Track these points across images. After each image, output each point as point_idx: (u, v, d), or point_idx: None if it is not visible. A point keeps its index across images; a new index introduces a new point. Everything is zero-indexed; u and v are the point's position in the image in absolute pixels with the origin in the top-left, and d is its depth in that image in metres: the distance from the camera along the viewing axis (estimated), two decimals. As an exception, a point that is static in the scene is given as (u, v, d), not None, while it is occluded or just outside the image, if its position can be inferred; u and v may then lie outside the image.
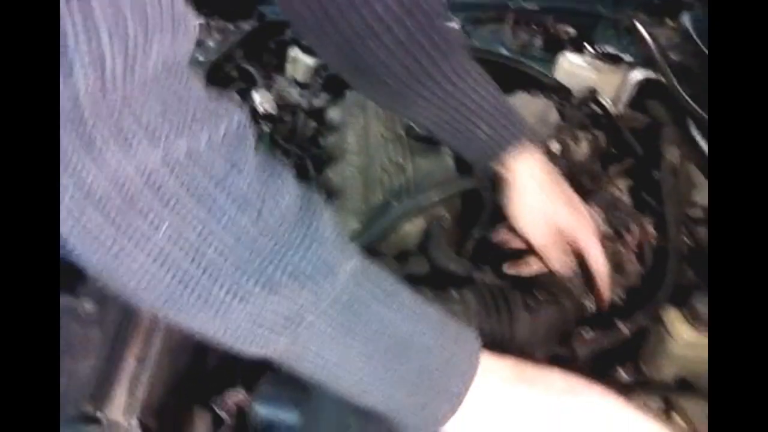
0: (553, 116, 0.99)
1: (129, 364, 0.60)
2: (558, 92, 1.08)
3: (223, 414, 0.60)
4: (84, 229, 0.38)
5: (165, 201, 0.38)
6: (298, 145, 0.94)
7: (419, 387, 0.46)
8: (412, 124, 0.88)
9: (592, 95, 1.04)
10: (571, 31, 1.30)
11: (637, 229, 0.78)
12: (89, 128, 0.35)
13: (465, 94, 0.70)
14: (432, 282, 0.68)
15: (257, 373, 0.61)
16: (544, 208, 0.71)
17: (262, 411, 0.59)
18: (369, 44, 0.66)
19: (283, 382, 0.59)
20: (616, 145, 0.98)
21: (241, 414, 0.60)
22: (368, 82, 0.71)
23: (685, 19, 1.14)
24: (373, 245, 0.75)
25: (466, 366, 0.48)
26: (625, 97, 1.09)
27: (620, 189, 0.85)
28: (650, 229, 0.80)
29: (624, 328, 0.69)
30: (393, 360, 0.45)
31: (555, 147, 0.85)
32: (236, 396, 0.61)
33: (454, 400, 0.47)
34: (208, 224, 0.39)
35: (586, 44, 1.25)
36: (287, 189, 0.43)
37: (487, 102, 0.70)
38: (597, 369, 0.73)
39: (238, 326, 0.42)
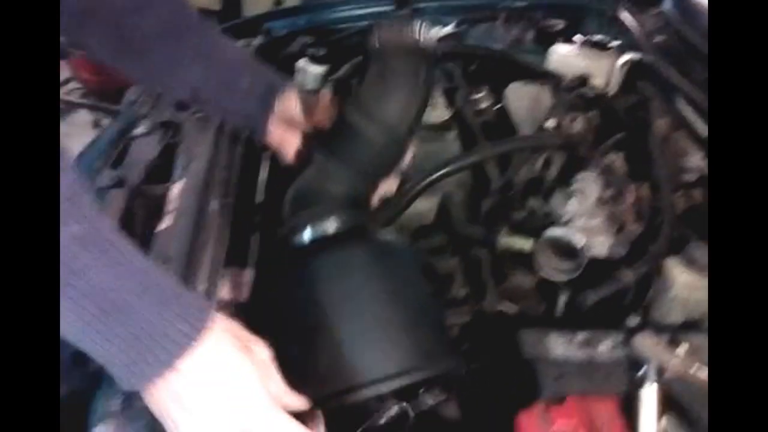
0: (546, 100, 1.11)
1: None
2: (550, 80, 1.19)
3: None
4: None
5: None
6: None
7: (131, 349, 0.53)
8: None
9: (582, 80, 1.16)
10: (561, 23, 1.43)
11: (633, 192, 0.90)
12: None
13: (225, 53, 0.83)
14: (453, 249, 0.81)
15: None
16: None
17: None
18: (134, 19, 0.79)
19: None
20: (608, 123, 1.10)
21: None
22: (135, 60, 0.82)
23: (666, 5, 1.27)
24: (391, 223, 0.86)
25: (180, 340, 0.54)
26: (615, 79, 1.21)
27: (614, 159, 0.96)
28: (645, 190, 0.92)
29: (628, 277, 0.80)
30: (106, 321, 0.52)
31: (550, 123, 0.96)
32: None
33: (163, 368, 0.54)
34: None
35: (575, 34, 1.37)
36: None
37: (244, 59, 0.85)
38: (607, 318, 0.84)
39: None
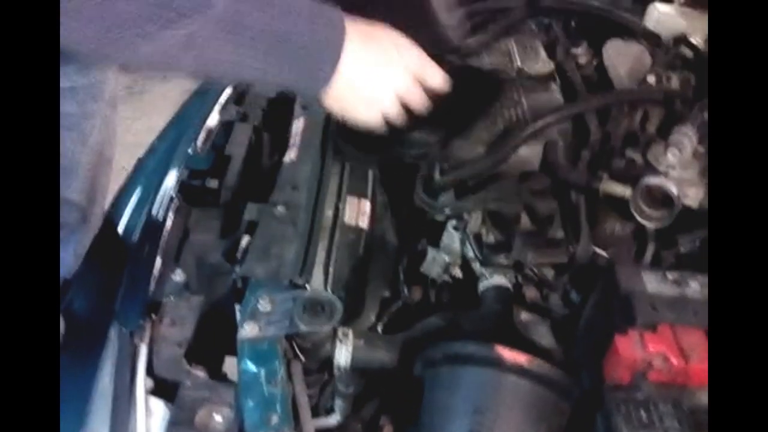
0: (645, 58, 1.16)
1: (322, 251, 0.82)
2: (649, 39, 1.23)
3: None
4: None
5: None
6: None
7: (304, 64, 0.72)
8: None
9: (681, 39, 1.20)
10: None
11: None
12: None
13: None
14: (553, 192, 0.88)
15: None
16: None
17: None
18: None
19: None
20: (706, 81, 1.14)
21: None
22: None
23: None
24: (497, 167, 0.93)
25: (335, 40, 0.74)
26: (714, 39, 1.24)
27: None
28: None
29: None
30: (277, 52, 0.70)
31: (651, 79, 1.01)
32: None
33: (334, 63, 0.73)
34: None
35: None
36: None
37: None
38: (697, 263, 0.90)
39: (155, 56, 0.65)
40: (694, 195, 0.91)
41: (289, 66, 0.72)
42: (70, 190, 1.11)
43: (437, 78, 0.84)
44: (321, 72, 0.74)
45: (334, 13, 0.75)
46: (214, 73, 0.74)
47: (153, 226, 0.97)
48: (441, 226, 0.93)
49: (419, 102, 0.83)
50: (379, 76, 0.79)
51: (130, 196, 1.12)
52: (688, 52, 1.19)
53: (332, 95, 0.77)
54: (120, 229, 1.08)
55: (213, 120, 1.15)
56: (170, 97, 2.80)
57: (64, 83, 1.03)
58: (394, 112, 0.81)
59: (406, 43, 0.82)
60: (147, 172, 1.15)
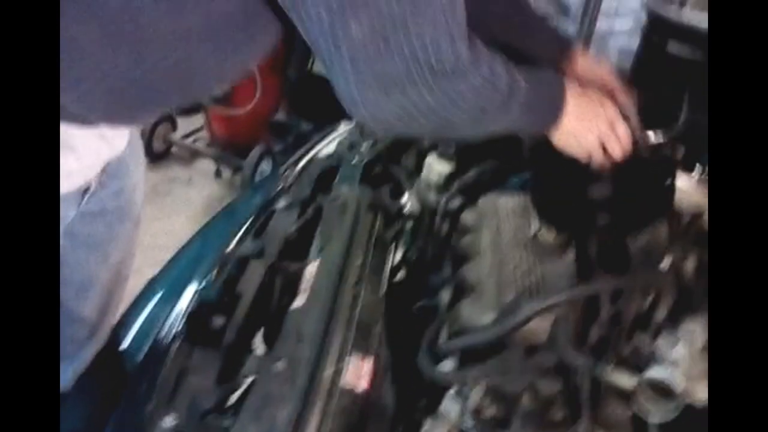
0: (664, 231, 1.16)
1: (315, 416, 0.80)
2: (668, 213, 1.23)
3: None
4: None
5: None
6: (434, 244, 1.15)
7: (544, 115, 0.99)
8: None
9: (698, 216, 1.20)
10: (680, 151, 1.46)
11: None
12: None
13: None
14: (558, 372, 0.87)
15: None
16: None
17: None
18: None
19: None
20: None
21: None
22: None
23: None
24: (506, 337, 0.92)
25: (560, 97, 0.99)
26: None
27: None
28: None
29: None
30: (528, 112, 0.93)
31: (667, 259, 1.01)
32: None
33: (559, 111, 0.99)
34: None
35: (696, 165, 1.40)
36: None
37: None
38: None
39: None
40: (701, 392, 0.89)
41: (536, 115, 0.99)
42: (85, 306, 1.11)
43: (626, 137, 1.07)
44: (550, 118, 0.99)
45: (556, 75, 1.04)
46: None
47: (154, 359, 0.97)
48: (441, 393, 0.91)
49: (617, 150, 1.06)
50: (591, 122, 1.03)
51: (138, 316, 1.12)
52: (705, 229, 1.19)
53: (556, 134, 1.01)
54: (123, 346, 1.08)
55: (230, 249, 1.17)
56: (193, 202, 2.88)
57: (95, 206, 1.06)
58: (599, 152, 1.05)
59: (609, 101, 1.07)
60: (162, 293, 1.16)
